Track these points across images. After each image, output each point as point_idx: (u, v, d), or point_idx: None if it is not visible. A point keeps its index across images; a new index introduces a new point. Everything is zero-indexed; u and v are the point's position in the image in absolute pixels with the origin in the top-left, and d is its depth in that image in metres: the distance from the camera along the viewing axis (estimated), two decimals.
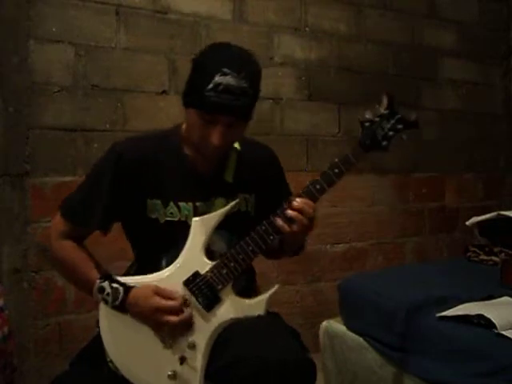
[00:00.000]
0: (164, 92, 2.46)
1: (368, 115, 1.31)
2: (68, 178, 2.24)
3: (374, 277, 2.21)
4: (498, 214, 2.36)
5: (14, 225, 2.15)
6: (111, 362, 1.27)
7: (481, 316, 1.54)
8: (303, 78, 2.85)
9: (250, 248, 1.26)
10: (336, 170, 1.28)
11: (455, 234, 3.35)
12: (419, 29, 3.24)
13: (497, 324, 1.49)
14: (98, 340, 1.31)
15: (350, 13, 3.00)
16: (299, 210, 1.24)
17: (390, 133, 1.30)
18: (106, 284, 1.26)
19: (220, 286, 1.26)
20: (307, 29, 2.87)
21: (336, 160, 1.29)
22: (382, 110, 1.31)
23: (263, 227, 1.26)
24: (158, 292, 1.24)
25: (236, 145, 1.39)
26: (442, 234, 3.33)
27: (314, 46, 2.88)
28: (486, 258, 2.34)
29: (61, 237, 1.35)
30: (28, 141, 2.20)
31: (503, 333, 1.48)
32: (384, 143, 1.31)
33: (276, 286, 1.29)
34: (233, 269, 1.26)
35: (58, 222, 1.37)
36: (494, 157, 3.56)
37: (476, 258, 2.37)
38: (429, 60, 3.28)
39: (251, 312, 1.26)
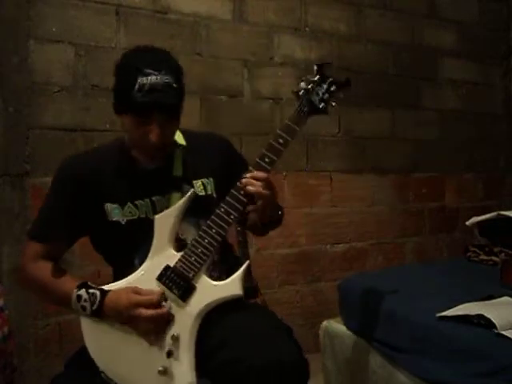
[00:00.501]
0: None
1: (301, 85, 1.34)
2: None
3: (374, 277, 2.21)
4: (498, 214, 2.36)
5: (14, 225, 2.15)
6: (103, 372, 1.28)
7: (481, 316, 1.54)
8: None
9: (214, 230, 1.27)
10: (281, 141, 1.30)
11: (455, 234, 3.35)
12: (419, 29, 3.24)
13: (497, 324, 1.49)
14: None
15: (350, 13, 3.00)
16: (255, 185, 1.26)
17: (326, 96, 1.34)
18: (82, 291, 1.28)
19: (192, 274, 1.26)
20: (307, 29, 2.87)
21: (278, 131, 1.31)
22: (314, 78, 1.34)
23: (222, 209, 1.28)
24: (136, 290, 1.26)
25: (181, 141, 1.43)
26: (442, 233, 3.33)
27: (314, 45, 2.88)
28: (486, 257, 2.34)
29: (34, 259, 1.37)
30: (28, 141, 2.20)
31: (503, 333, 1.47)
32: (322, 105, 1.33)
33: (247, 262, 1.30)
34: (201, 254, 1.27)
35: (29, 247, 1.40)
36: (494, 157, 3.56)
37: (476, 258, 2.37)
38: (429, 60, 3.28)
39: (227, 292, 1.27)
